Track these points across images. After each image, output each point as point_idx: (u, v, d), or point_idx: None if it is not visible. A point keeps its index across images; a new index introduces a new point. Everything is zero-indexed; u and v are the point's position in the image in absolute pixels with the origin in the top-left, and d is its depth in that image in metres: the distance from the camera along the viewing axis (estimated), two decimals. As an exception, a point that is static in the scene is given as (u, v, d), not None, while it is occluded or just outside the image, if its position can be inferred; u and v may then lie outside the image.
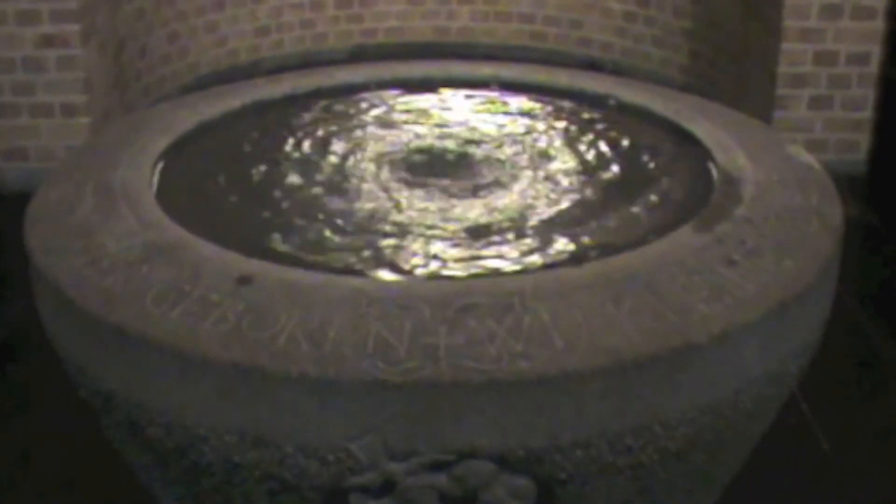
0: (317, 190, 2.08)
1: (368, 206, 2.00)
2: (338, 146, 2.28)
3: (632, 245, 1.76)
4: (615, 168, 2.18)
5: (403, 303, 1.54)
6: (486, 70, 2.66)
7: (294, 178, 2.13)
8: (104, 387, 1.65)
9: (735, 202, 1.88)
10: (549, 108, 2.49)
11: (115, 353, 1.60)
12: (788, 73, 4.33)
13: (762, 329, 1.61)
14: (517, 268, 1.76)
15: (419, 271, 1.75)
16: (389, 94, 2.57)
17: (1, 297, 3.43)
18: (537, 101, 2.53)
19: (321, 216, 1.95)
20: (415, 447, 1.49)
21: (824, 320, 1.82)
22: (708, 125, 2.24)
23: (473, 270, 1.75)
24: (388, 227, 1.91)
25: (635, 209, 1.98)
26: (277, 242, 1.84)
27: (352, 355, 1.47)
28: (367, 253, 1.80)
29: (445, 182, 2.09)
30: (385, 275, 1.73)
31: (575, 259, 1.77)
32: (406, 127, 2.39)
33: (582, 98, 2.51)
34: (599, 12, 5.63)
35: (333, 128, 2.38)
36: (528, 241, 1.85)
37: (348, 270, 1.73)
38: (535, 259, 1.79)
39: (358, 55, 5.72)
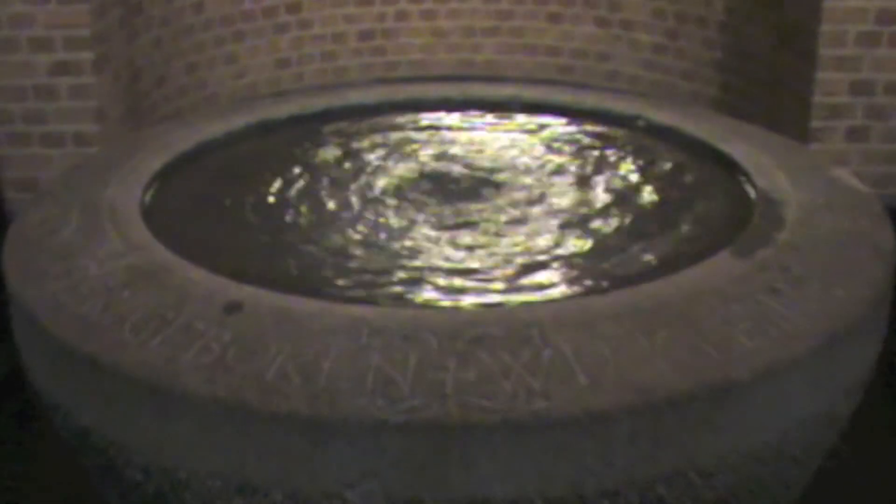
0: (318, 215, 1.96)
1: (373, 233, 1.87)
2: (343, 169, 2.16)
3: (664, 272, 1.61)
4: (646, 192, 2.04)
5: (408, 333, 1.42)
6: (506, 91, 2.54)
7: (294, 202, 2.01)
8: (79, 423, 1.54)
9: (777, 226, 1.73)
10: (575, 130, 2.35)
11: (89, 386, 1.49)
12: (823, 103, 4.20)
13: (810, 365, 1.48)
14: (538, 297, 1.60)
15: (427, 301, 1.60)
16: (403, 116, 2.44)
17: (5, 332, 3.31)
18: (561, 122, 2.39)
19: (321, 242, 1.83)
20: (419, 496, 1.36)
21: (877, 354, 1.66)
22: (744, 146, 2.11)
23: (489, 301, 1.60)
24: (395, 256, 1.77)
25: (668, 235, 1.84)
26: (272, 267, 1.71)
27: (349, 392, 1.34)
28: (370, 281, 1.66)
29: (462, 209, 1.95)
30: (388, 303, 1.58)
31: (601, 287, 1.62)
32: (420, 151, 2.25)
33: (609, 119, 2.37)
34: (627, 45, 5.53)
35: (340, 151, 2.26)
36: (553, 270, 1.72)
37: (347, 298, 1.58)
38: (560, 289, 1.64)
39: (380, 88, 5.63)
